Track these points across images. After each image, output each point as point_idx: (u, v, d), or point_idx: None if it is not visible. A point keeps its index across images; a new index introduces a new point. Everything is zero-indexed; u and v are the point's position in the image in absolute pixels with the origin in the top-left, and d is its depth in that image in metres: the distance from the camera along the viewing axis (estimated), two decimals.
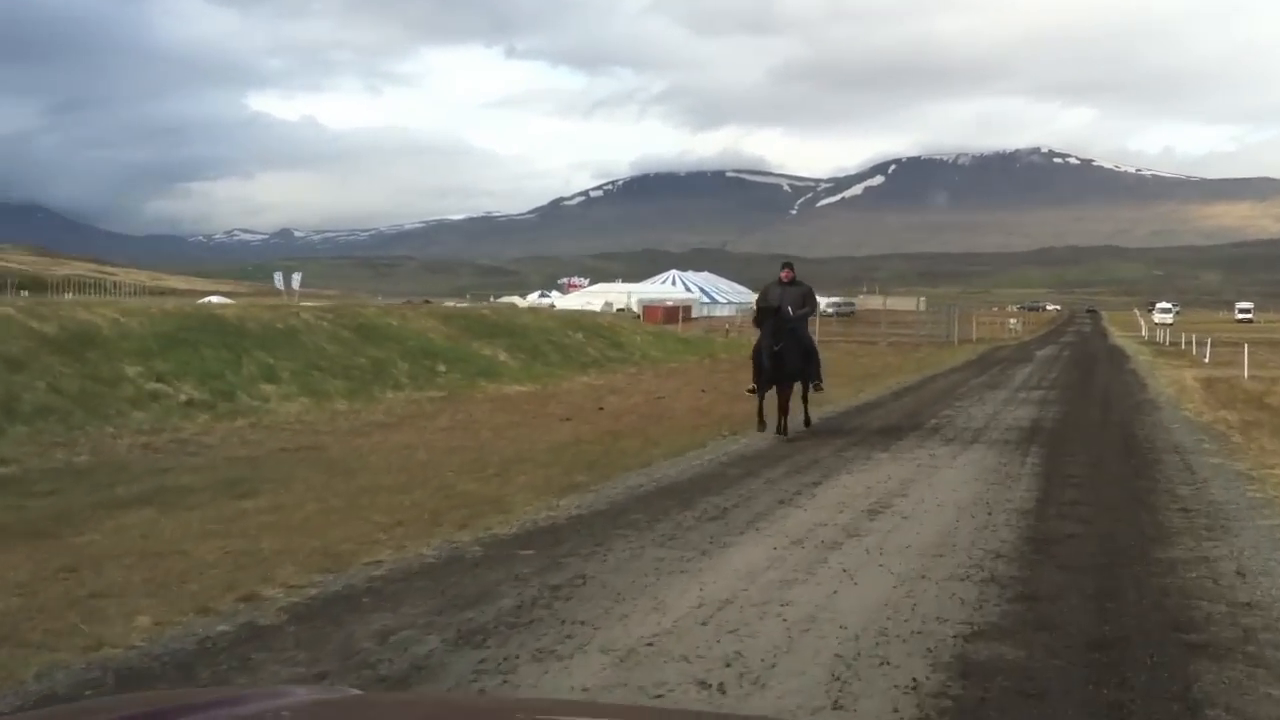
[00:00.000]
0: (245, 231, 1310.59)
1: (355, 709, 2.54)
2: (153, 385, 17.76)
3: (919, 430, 17.76)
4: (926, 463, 13.95)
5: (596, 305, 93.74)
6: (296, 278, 75.47)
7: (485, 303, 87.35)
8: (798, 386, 17.09)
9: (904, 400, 23.66)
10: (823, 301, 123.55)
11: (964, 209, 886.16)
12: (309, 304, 45.96)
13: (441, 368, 25.20)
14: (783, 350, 15.91)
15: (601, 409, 21.38)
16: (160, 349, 19.39)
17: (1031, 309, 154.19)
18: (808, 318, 17.35)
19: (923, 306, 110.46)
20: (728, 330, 54.79)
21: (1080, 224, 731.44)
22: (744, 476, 12.85)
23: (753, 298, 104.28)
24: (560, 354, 30.78)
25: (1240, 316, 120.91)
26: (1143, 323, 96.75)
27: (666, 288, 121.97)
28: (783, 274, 16.89)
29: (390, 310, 30.29)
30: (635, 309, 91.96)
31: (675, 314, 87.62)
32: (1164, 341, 62.22)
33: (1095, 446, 16.18)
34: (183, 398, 17.82)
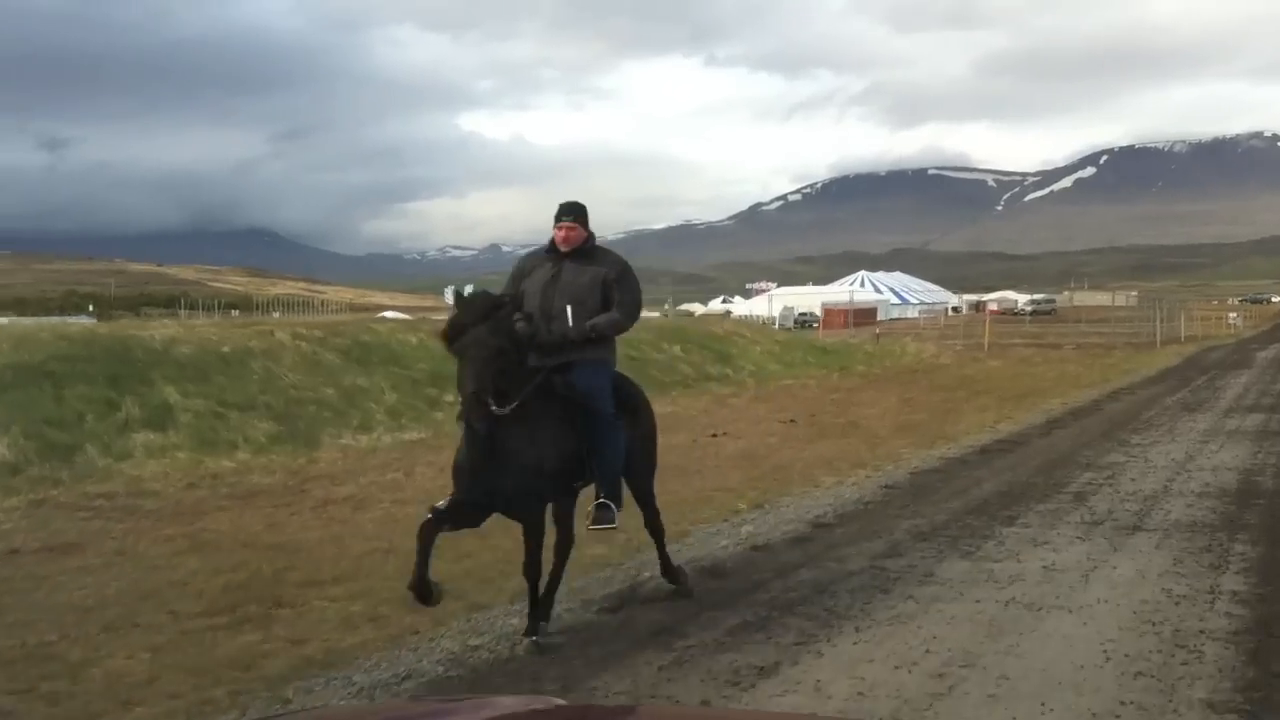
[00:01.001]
0: (457, 248, 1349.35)
1: (560, 718, 2.43)
2: None
3: (1052, 499, 11.15)
4: (1027, 595, 7.49)
5: (775, 310, 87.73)
6: (469, 290, 72.56)
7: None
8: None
9: (1057, 435, 16.81)
10: (1020, 299, 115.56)
11: (1181, 198, 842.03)
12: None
13: (449, 397, 19.52)
14: (510, 435, 6.50)
15: None
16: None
17: (1255, 301, 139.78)
18: (607, 337, 7.34)
19: (1125, 302, 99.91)
20: (878, 335, 47.71)
21: None
22: (645, 641, 6.71)
23: (948, 298, 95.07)
24: (634, 373, 24.69)
25: None
26: None
27: (854, 289, 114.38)
28: (557, 233, 7.29)
29: (416, 327, 24.75)
30: (819, 313, 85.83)
31: (860, 317, 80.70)
32: None
33: None
34: None
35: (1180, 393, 24.08)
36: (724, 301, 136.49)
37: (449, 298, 76.28)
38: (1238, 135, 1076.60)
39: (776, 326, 64.97)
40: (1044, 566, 8.25)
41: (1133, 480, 12.23)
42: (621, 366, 7.59)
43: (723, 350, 30.48)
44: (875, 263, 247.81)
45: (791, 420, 19.68)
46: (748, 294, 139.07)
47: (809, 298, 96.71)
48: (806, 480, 12.89)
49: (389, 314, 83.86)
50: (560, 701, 2.64)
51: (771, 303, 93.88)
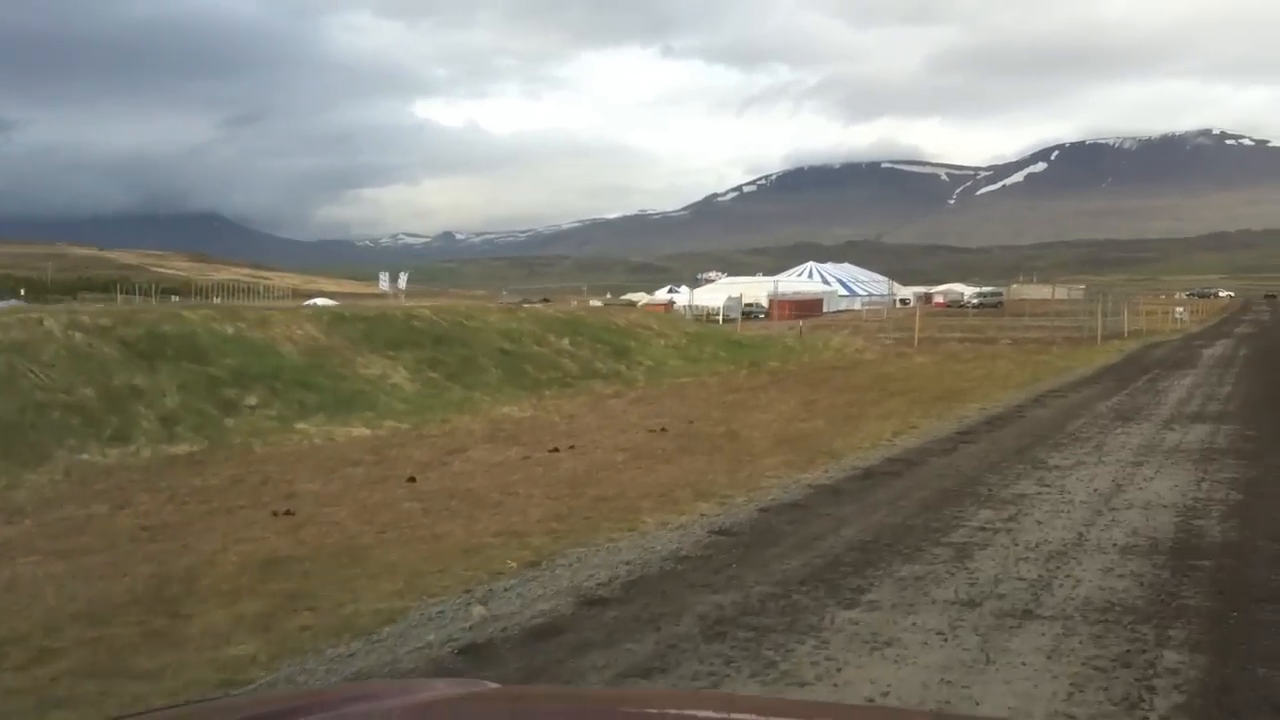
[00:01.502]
0: (410, 235, 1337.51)
1: (495, 701, 2.31)
2: None
3: (924, 556, 8.18)
4: None
5: (718, 301, 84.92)
6: (403, 277, 69.63)
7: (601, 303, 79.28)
8: None
9: (962, 453, 13.86)
10: (967, 292, 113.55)
11: (1130, 194, 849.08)
12: (412, 303, 37.95)
13: (251, 400, 16.44)
14: None
15: (413, 480, 12.32)
16: None
17: (1202, 296, 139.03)
18: None
19: (1067, 295, 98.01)
20: (801, 328, 44.84)
21: (1255, 207, 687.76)
22: None
23: (897, 290, 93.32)
24: (506, 369, 21.68)
25: None
26: None
27: (803, 280, 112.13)
28: None
29: (238, 314, 21.46)
30: (765, 303, 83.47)
31: (806, 308, 78.31)
32: None
33: None
34: None
35: (1116, 396, 21.29)
36: (670, 291, 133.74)
37: (383, 284, 72.56)
38: (1186, 133, 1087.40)
39: (720, 319, 62.13)
40: (869, 698, 5.27)
41: (1039, 524, 9.28)
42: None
43: (620, 344, 27.45)
44: (828, 254, 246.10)
45: (662, 429, 16.71)
46: (695, 284, 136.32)
47: (741, 288, 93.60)
48: (624, 519, 9.87)
49: (318, 300, 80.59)
50: (494, 685, 2.51)
51: (691, 295, 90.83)
